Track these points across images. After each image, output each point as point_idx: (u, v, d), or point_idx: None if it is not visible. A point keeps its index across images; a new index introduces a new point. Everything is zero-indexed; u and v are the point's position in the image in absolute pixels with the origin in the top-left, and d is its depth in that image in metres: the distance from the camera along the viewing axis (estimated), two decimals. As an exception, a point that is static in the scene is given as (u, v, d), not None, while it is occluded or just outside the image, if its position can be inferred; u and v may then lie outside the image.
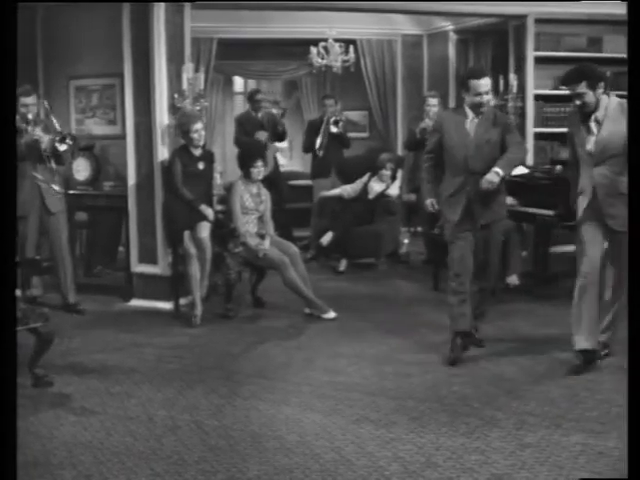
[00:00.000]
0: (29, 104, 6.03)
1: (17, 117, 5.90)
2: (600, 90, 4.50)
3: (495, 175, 4.75)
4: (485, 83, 4.84)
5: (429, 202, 5.15)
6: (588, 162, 4.63)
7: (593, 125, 4.59)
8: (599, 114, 4.54)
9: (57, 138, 6.00)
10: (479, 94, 4.82)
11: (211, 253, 6.14)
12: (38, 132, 5.97)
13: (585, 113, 4.57)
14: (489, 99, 4.91)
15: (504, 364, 4.92)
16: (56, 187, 6.20)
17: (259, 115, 8.62)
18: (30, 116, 6.01)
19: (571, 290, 6.42)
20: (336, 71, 9.82)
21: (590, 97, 4.50)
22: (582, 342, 4.65)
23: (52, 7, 6.91)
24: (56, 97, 7.06)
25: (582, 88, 4.49)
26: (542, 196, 6.50)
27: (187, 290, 6.21)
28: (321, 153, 8.65)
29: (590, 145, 4.58)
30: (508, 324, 5.84)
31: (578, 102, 4.54)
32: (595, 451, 3.60)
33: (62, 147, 6.02)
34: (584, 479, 3.35)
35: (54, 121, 6.14)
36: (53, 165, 6.07)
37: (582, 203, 4.72)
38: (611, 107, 4.52)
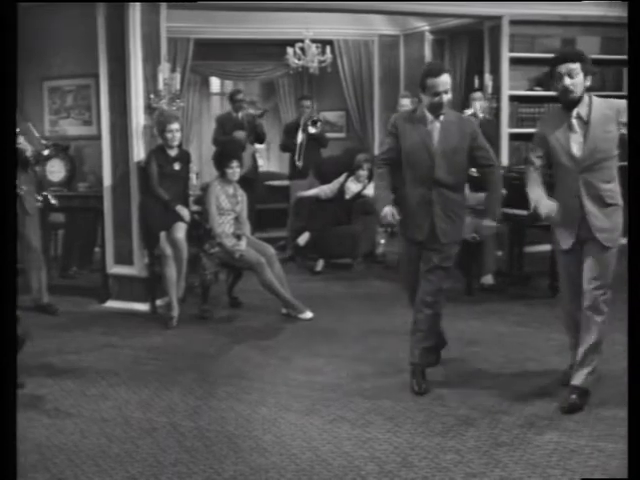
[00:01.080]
0: None
1: None
2: (588, 82, 4.09)
3: (492, 222, 4.58)
4: (444, 81, 4.31)
5: (388, 211, 4.38)
6: (571, 167, 4.12)
7: (576, 123, 4.10)
8: (582, 110, 4.07)
9: (42, 151, 6.09)
10: (438, 94, 4.29)
11: (187, 254, 6.13)
12: (22, 141, 5.93)
13: (568, 102, 4.07)
14: (449, 99, 4.38)
15: (479, 364, 4.95)
16: (37, 195, 6.23)
17: (239, 115, 8.61)
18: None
19: (545, 289, 6.54)
20: (313, 72, 9.84)
21: (580, 80, 4.04)
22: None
23: (27, 6, 6.84)
24: (30, 99, 7.03)
25: (576, 67, 4.03)
26: (516, 196, 6.53)
27: (163, 291, 6.20)
28: (300, 158, 8.63)
29: (575, 147, 4.09)
30: (483, 324, 5.88)
31: (568, 81, 4.02)
32: (568, 449, 3.64)
33: (45, 152, 6.05)
34: (585, 479, 3.37)
35: (31, 128, 6.13)
36: (36, 172, 6.06)
37: (558, 218, 4.15)
38: (596, 105, 4.07)
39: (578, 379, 4.15)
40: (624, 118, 4.00)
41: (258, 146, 9.52)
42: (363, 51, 10.34)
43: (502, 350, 5.20)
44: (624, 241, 3.91)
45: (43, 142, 6.12)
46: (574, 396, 4.12)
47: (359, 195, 8.08)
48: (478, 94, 7.76)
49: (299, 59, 9.61)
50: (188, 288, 6.34)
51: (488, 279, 6.75)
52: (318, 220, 7.97)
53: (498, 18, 8.16)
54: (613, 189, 4.11)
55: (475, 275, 6.74)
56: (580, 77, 4.04)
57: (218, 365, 5.04)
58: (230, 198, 6.30)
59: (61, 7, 6.66)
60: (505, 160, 8.16)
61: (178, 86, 6.82)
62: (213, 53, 10.50)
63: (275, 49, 10.22)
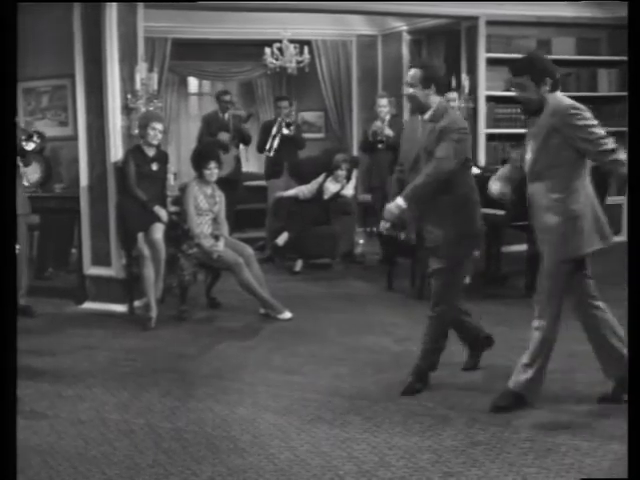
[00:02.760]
0: None
1: None
2: (546, 87, 3.88)
3: (395, 207, 4.20)
4: (410, 74, 4.22)
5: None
6: (527, 175, 4.05)
7: (534, 127, 4.01)
8: (543, 116, 3.90)
9: (23, 137, 5.93)
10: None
11: (165, 254, 6.11)
12: None
13: (529, 111, 4.01)
14: (414, 93, 4.19)
15: (455, 363, 4.95)
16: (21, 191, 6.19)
17: (226, 116, 8.61)
18: None
19: (522, 289, 6.58)
20: (291, 72, 9.85)
21: (531, 92, 3.89)
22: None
23: None
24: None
25: (524, 80, 3.89)
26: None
27: (141, 292, 6.18)
28: (272, 154, 8.58)
29: (528, 155, 4.01)
30: (461, 323, 5.90)
31: (518, 94, 3.96)
32: (544, 447, 3.66)
33: (29, 146, 5.97)
34: (585, 479, 3.38)
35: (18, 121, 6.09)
36: (20, 165, 5.99)
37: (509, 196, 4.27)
38: (547, 110, 3.88)
39: None
40: (572, 121, 3.80)
41: (242, 147, 9.49)
42: (341, 51, 10.36)
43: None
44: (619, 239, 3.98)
45: (28, 134, 6.02)
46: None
47: (337, 195, 8.09)
48: (453, 94, 7.81)
49: (277, 59, 9.62)
50: (166, 289, 6.32)
51: (465, 279, 6.76)
52: (297, 220, 7.97)
53: (475, 19, 8.22)
54: (566, 199, 3.88)
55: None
56: (530, 89, 3.88)
57: (197, 366, 5.03)
58: (208, 198, 6.29)
59: (36, 7, 6.61)
60: (482, 160, 8.21)
61: (156, 86, 6.81)
62: (191, 53, 10.48)
63: (253, 49, 10.22)
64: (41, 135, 6.08)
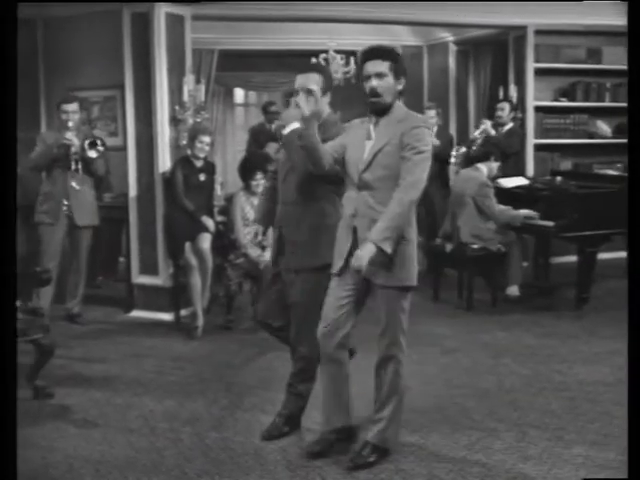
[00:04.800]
0: (69, 111, 6.08)
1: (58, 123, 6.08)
2: (400, 86, 3.49)
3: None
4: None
5: None
6: (353, 181, 3.54)
7: (372, 130, 3.52)
8: (385, 118, 3.48)
9: (87, 142, 6.03)
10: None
11: (212, 264, 6.15)
12: (69, 136, 5.99)
13: (373, 109, 3.51)
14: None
15: (505, 375, 4.92)
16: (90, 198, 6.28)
17: (273, 127, 8.65)
18: (70, 124, 6.05)
19: (571, 301, 6.48)
20: (337, 82, 9.84)
21: (389, 83, 3.44)
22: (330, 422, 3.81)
23: (53, 19, 6.94)
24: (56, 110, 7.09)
25: (384, 67, 3.43)
26: (542, 207, 6.51)
27: (188, 301, 6.21)
28: None
29: (364, 157, 3.49)
30: (509, 335, 5.84)
31: (374, 83, 3.43)
32: (596, 463, 3.60)
33: (92, 153, 6.05)
34: (585, 479, 3.35)
35: (92, 130, 6.20)
36: (79, 169, 6.08)
37: (340, 241, 3.61)
38: (397, 115, 3.47)
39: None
40: (411, 140, 3.37)
41: None
42: (387, 62, 10.33)
43: (529, 362, 5.16)
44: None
45: (92, 140, 6.08)
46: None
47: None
48: (503, 104, 7.80)
49: (323, 70, 9.61)
50: (213, 298, 6.34)
51: (514, 290, 6.70)
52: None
53: (523, 28, 8.14)
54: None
55: (500, 286, 6.70)
56: (388, 80, 3.44)
57: (243, 376, 5.04)
58: (255, 209, 6.31)
59: (87, 18, 6.73)
60: (531, 171, 8.12)
61: (203, 97, 6.87)
62: (237, 64, 10.55)
63: (299, 60, 10.22)
64: (104, 142, 6.16)
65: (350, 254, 3.48)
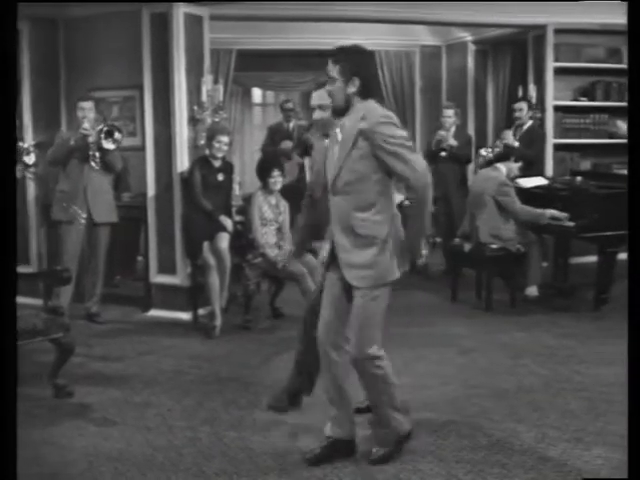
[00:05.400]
0: (85, 108, 6.12)
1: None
2: (353, 89, 3.36)
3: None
4: (317, 96, 3.92)
5: None
6: (329, 188, 3.51)
7: (339, 133, 3.46)
8: (348, 120, 3.40)
9: (105, 129, 6.05)
10: (313, 109, 3.92)
11: (230, 264, 6.16)
12: (86, 126, 6.03)
13: (335, 111, 3.51)
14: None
15: (523, 375, 4.89)
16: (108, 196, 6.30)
17: (290, 126, 8.66)
18: (86, 121, 6.09)
19: (591, 301, 6.44)
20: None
21: (337, 88, 3.39)
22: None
23: (73, 20, 6.97)
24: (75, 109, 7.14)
25: (333, 72, 3.39)
26: (562, 207, 6.47)
27: (206, 301, 6.22)
28: None
29: (331, 164, 3.48)
30: (528, 335, 5.81)
31: (326, 88, 3.49)
32: (614, 465, 3.56)
33: (109, 144, 6.08)
34: (585, 479, 3.33)
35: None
36: (97, 161, 6.10)
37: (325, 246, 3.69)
38: (360, 114, 3.36)
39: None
40: (380, 129, 3.30)
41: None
42: (404, 62, 10.32)
43: (549, 363, 5.13)
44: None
45: (109, 129, 6.11)
46: None
47: (401, 205, 8.03)
48: (521, 104, 7.76)
49: (340, 69, 9.60)
50: (230, 298, 6.35)
51: (533, 290, 6.67)
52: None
53: (542, 27, 8.10)
54: (370, 218, 3.39)
55: (519, 286, 6.67)
56: (337, 85, 3.39)
57: (260, 375, 5.05)
58: (273, 208, 6.32)
59: (107, 19, 6.76)
60: (550, 171, 8.08)
61: (221, 97, 6.88)
62: (255, 64, 10.56)
63: (316, 59, 10.22)
64: (120, 130, 6.18)
65: (331, 260, 3.55)
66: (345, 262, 3.43)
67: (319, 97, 3.93)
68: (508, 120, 8.25)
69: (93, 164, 6.14)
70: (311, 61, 10.57)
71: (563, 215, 6.40)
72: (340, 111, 3.44)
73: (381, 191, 3.40)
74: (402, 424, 3.69)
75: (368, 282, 3.42)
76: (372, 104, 3.40)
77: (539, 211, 6.48)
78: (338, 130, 3.45)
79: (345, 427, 3.69)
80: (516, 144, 7.53)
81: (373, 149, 3.32)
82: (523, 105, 7.77)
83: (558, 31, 8.09)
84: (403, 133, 3.39)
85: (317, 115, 3.97)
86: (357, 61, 3.41)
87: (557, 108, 8.22)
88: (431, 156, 8.16)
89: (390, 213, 3.47)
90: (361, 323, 3.47)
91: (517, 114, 7.78)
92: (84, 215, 6.13)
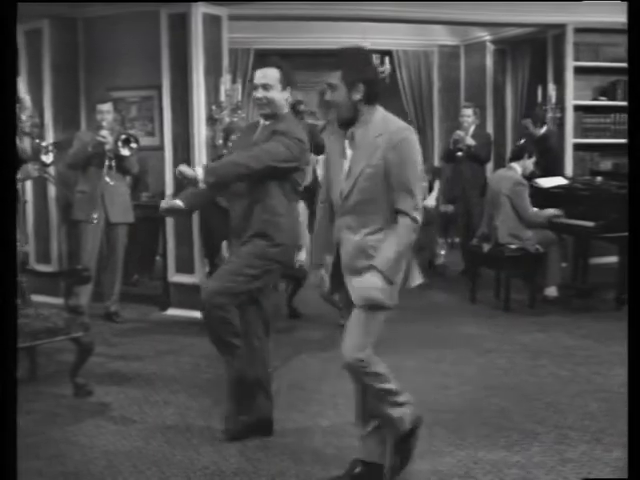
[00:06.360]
0: (103, 111, 6.15)
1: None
2: (358, 95, 3.10)
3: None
4: (261, 75, 3.73)
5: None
6: (336, 204, 3.23)
7: (348, 146, 3.16)
8: (358, 131, 3.12)
9: (122, 137, 6.07)
10: (255, 87, 3.71)
11: (248, 263, 6.15)
12: (104, 133, 6.06)
13: (339, 120, 3.19)
14: (272, 98, 3.66)
15: (543, 376, 4.87)
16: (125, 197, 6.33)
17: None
18: (104, 123, 6.13)
19: (611, 302, 6.40)
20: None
21: (341, 96, 3.12)
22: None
23: (93, 19, 7.01)
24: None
25: (334, 78, 3.13)
26: (582, 207, 6.44)
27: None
28: None
29: (342, 179, 3.16)
30: (547, 336, 5.78)
31: (326, 97, 3.20)
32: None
33: (125, 151, 6.10)
34: (585, 479, 3.31)
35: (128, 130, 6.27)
36: (113, 167, 6.13)
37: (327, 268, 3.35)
38: (374, 126, 3.10)
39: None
40: (403, 146, 3.05)
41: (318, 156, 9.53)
42: (423, 61, 10.30)
43: (568, 364, 5.10)
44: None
45: (126, 137, 6.11)
46: None
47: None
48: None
49: (357, 69, 9.58)
50: (248, 297, 6.34)
51: (552, 291, 6.64)
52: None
53: (562, 26, 8.05)
54: (380, 240, 3.12)
55: (538, 286, 6.63)
56: (341, 92, 3.11)
57: (278, 375, 5.02)
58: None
59: (126, 19, 6.79)
60: (570, 171, 8.03)
61: (239, 97, 6.90)
62: (272, 63, 10.56)
63: (334, 59, 10.22)
64: (137, 140, 6.21)
65: (335, 278, 3.29)
66: (354, 284, 3.18)
67: (263, 76, 3.74)
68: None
69: (110, 169, 6.16)
70: (329, 61, 10.47)
71: (558, 212, 6.52)
72: (347, 121, 3.14)
73: (391, 212, 3.11)
74: (403, 421, 3.39)
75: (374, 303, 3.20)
76: (386, 113, 3.16)
77: (545, 213, 6.51)
78: (346, 143, 3.15)
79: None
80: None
81: (388, 165, 3.04)
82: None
83: (578, 30, 8.04)
84: (420, 154, 3.14)
85: (260, 94, 3.73)
86: (360, 64, 3.16)
87: (577, 108, 8.18)
88: (448, 156, 8.16)
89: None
90: (359, 331, 3.26)
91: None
92: (95, 215, 6.15)
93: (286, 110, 3.81)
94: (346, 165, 3.14)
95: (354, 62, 3.15)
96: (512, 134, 9.51)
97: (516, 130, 9.19)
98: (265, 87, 3.71)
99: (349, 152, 3.14)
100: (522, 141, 7.62)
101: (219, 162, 3.90)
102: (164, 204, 3.98)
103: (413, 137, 3.11)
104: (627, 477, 2.84)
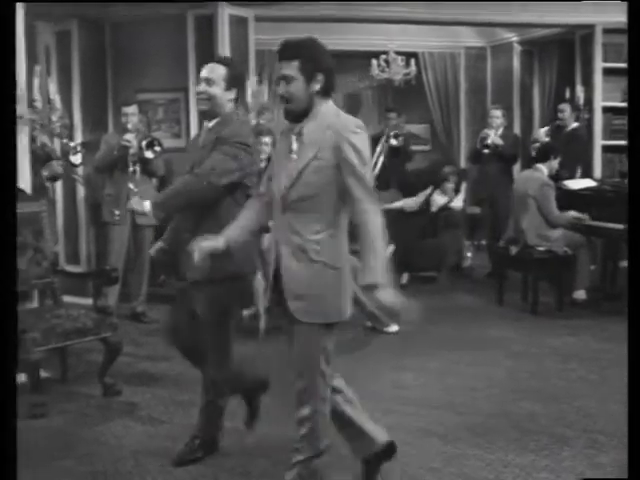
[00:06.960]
0: (129, 113, 6.19)
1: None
2: (317, 85, 2.92)
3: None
4: (207, 70, 3.54)
5: None
6: (275, 200, 3.03)
7: (295, 140, 2.98)
8: (308, 124, 2.95)
9: (145, 142, 6.11)
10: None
11: (274, 264, 6.15)
12: (128, 137, 6.10)
13: (291, 115, 2.99)
14: (213, 94, 3.49)
15: (572, 380, 4.82)
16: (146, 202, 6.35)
17: None
18: (129, 126, 6.17)
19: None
20: (397, 84, 9.79)
21: (299, 88, 2.92)
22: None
23: (120, 22, 7.06)
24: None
25: (291, 69, 2.92)
26: (611, 209, 6.37)
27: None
28: (376, 172, 8.49)
29: (286, 172, 2.98)
30: (576, 339, 5.73)
31: (280, 90, 2.96)
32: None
33: (149, 154, 6.13)
34: (585, 479, 3.29)
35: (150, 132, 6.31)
36: (137, 171, 6.17)
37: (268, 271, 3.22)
38: (323, 120, 2.93)
39: None
40: (353, 140, 2.87)
41: None
42: (449, 63, 10.27)
43: (598, 367, 5.06)
44: None
45: (149, 141, 6.14)
46: None
47: (445, 208, 7.99)
48: (564, 106, 7.73)
49: (383, 71, 9.58)
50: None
51: (581, 294, 6.57)
52: (403, 233, 7.90)
53: (590, 27, 7.98)
54: (323, 241, 2.95)
55: (566, 289, 6.57)
56: (297, 84, 2.92)
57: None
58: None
59: (153, 21, 6.83)
60: (598, 173, 7.96)
61: (266, 98, 6.90)
62: (298, 65, 10.57)
63: (359, 61, 10.23)
64: (161, 143, 6.24)
65: (274, 286, 3.17)
66: (293, 294, 3.04)
67: (208, 70, 3.56)
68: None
69: (134, 173, 6.20)
70: (355, 62, 10.57)
71: (583, 216, 6.46)
72: (299, 114, 2.96)
73: (339, 210, 2.96)
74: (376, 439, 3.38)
75: (314, 318, 3.07)
76: (336, 108, 3.00)
77: (568, 215, 6.47)
78: (293, 138, 2.97)
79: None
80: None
81: (338, 160, 2.87)
82: (566, 107, 7.71)
83: (606, 31, 7.96)
84: (369, 151, 2.98)
85: (201, 88, 3.54)
86: (318, 54, 2.96)
87: (605, 109, 8.09)
88: (475, 156, 8.11)
89: (346, 237, 3.06)
90: (303, 359, 3.19)
91: (559, 115, 7.74)
92: (117, 212, 6.19)
93: (228, 110, 3.57)
94: (293, 158, 2.96)
95: (312, 52, 2.96)
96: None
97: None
98: (208, 82, 3.52)
99: (295, 146, 2.97)
100: (545, 129, 7.60)
101: (165, 193, 3.69)
102: (151, 252, 3.96)
103: (364, 131, 2.94)
104: (627, 477, 2.80)
